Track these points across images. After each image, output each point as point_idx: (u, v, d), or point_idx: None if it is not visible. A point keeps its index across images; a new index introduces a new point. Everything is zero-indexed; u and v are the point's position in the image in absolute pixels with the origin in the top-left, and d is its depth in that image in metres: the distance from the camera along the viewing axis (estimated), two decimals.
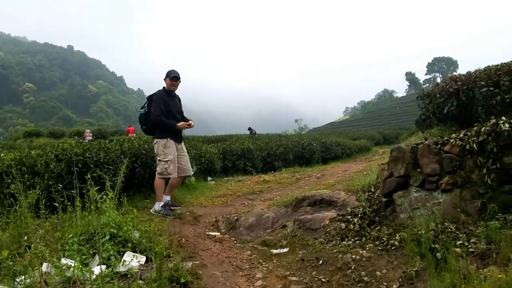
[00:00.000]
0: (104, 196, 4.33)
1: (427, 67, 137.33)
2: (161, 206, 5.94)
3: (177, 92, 6.38)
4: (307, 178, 9.80)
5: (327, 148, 17.60)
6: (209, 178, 11.03)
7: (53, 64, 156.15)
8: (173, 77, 6.05)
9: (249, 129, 28.97)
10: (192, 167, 9.84)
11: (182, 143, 6.34)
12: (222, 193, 8.81)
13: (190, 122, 6.17)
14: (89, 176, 4.79)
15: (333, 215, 5.48)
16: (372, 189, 5.95)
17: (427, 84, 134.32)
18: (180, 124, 6.01)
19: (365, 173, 9.16)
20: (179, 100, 6.47)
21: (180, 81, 6.24)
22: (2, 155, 6.64)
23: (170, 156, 5.89)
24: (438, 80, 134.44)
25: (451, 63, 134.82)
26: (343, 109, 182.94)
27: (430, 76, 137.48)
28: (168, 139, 5.97)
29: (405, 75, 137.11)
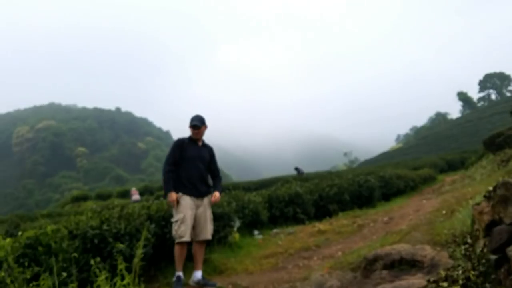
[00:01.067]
0: (119, 281, 3.26)
1: (479, 85, 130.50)
2: (175, 278, 4.89)
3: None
4: (371, 225, 8.18)
5: (387, 183, 15.72)
6: (256, 232, 9.67)
7: (103, 126, 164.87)
8: (192, 126, 5.07)
9: (296, 168, 27.53)
10: (234, 221, 8.62)
11: (206, 198, 5.15)
12: (272, 252, 7.41)
13: (215, 195, 5.25)
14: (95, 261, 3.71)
15: (422, 282, 3.91)
16: (469, 240, 4.36)
17: (482, 102, 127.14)
18: (171, 198, 4.94)
19: (444, 212, 7.42)
20: (210, 151, 5.42)
21: (205, 128, 5.23)
22: (20, 233, 5.76)
23: (181, 215, 4.84)
24: (493, 97, 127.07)
25: (504, 78, 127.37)
26: (395, 136, 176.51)
27: (484, 94, 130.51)
28: (181, 193, 4.93)
29: (457, 95, 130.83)
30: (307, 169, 29.73)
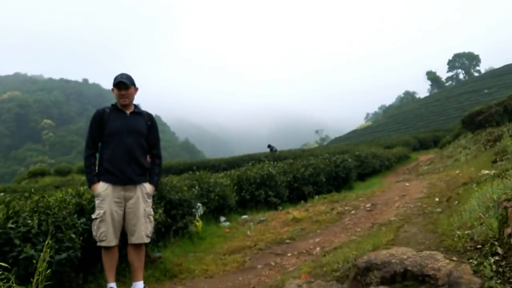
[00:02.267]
0: None
1: (448, 64, 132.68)
2: None
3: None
4: (353, 212, 7.15)
5: (362, 162, 14.88)
6: (222, 219, 8.52)
7: (69, 98, 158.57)
8: (117, 84, 3.70)
9: (269, 146, 26.43)
10: (196, 208, 7.40)
11: (139, 187, 3.81)
12: (239, 245, 6.29)
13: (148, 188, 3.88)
14: None
15: None
16: (499, 250, 3.28)
17: (450, 82, 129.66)
18: (96, 190, 3.70)
19: (437, 199, 6.47)
20: (148, 120, 4.04)
21: (135, 90, 3.88)
22: None
23: (100, 211, 3.60)
24: (461, 76, 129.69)
25: (472, 58, 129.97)
26: (364, 115, 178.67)
27: (453, 73, 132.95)
28: (101, 182, 3.67)
29: (426, 74, 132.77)
30: (280, 146, 28.74)
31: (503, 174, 6.18)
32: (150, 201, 3.92)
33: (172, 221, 6.46)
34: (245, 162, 23.46)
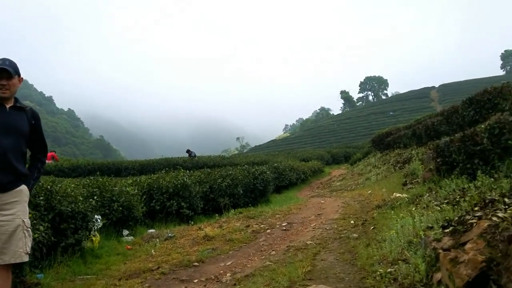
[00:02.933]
0: None
1: (359, 86, 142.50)
2: None
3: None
4: (268, 231, 6.75)
5: (280, 174, 14.78)
6: (125, 232, 7.61)
7: None
8: None
9: (188, 151, 25.52)
10: (93, 222, 6.44)
11: (11, 194, 3.02)
12: (139, 268, 5.50)
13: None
14: None
15: None
16: None
17: (360, 102, 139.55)
18: None
19: (352, 222, 6.35)
20: (32, 118, 3.22)
21: (19, 80, 3.05)
22: None
23: None
24: (370, 98, 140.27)
25: (381, 82, 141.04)
26: (283, 126, 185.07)
27: (363, 94, 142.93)
28: None
29: (340, 93, 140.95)
30: (201, 151, 27.98)
31: (417, 200, 6.27)
32: (27, 210, 3.10)
33: (60, 237, 5.48)
34: (162, 166, 22.33)
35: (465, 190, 5.03)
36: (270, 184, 12.40)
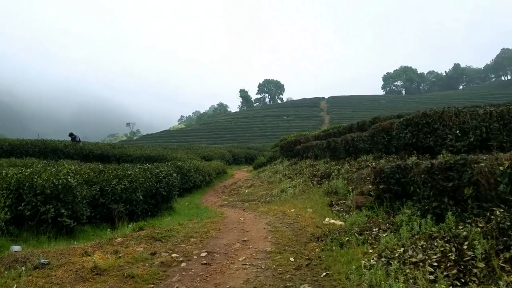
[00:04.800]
0: None
1: (258, 87, 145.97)
2: None
3: None
4: (183, 265, 5.16)
5: (184, 175, 13.12)
6: None
7: None
8: None
9: (71, 135, 22.05)
10: None
11: None
12: None
13: None
14: None
15: None
16: None
17: (258, 103, 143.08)
18: None
19: (292, 259, 5.15)
20: None
21: None
22: None
23: None
24: (267, 100, 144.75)
25: (279, 86, 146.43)
26: (178, 117, 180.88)
27: (260, 96, 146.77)
28: None
29: (239, 91, 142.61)
30: (86, 134, 24.38)
31: (366, 235, 5.33)
32: None
33: None
34: (38, 149, 18.73)
35: (433, 237, 4.21)
36: (176, 189, 10.69)
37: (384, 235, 4.90)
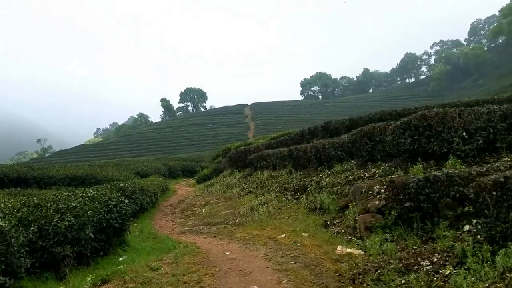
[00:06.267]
0: None
1: (180, 96, 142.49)
2: None
3: None
4: None
5: (130, 198, 11.21)
6: None
7: None
8: None
9: None
10: None
11: None
12: None
13: None
14: None
15: None
16: None
17: (181, 112, 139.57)
18: None
19: None
20: None
21: None
22: None
23: None
24: (190, 109, 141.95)
25: (201, 94, 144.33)
26: (93, 130, 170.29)
27: (183, 105, 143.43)
28: None
29: (161, 101, 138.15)
30: None
31: (413, 269, 4.32)
32: None
33: None
34: None
35: None
36: (129, 218, 8.84)
37: (452, 271, 3.92)
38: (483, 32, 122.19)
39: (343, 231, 6.75)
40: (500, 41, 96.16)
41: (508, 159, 6.22)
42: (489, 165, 5.73)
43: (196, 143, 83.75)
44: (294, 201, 9.48)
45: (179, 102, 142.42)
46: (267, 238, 7.22)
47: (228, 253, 6.60)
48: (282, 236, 7.15)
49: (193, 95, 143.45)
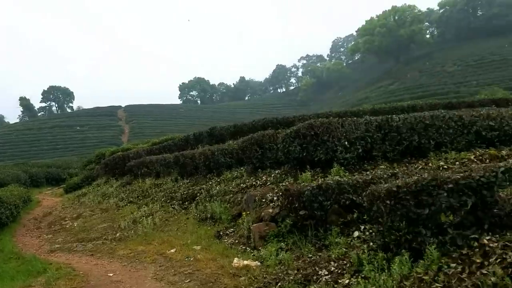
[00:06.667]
0: None
1: (42, 95, 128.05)
2: None
3: None
4: None
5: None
6: None
7: None
8: None
9: None
10: None
11: None
12: None
13: None
14: None
15: None
16: None
17: (43, 112, 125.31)
18: None
19: None
20: None
21: None
22: None
23: None
24: (54, 109, 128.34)
25: (67, 94, 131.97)
26: None
27: (46, 105, 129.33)
28: None
29: (19, 99, 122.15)
30: None
31: (313, 280, 4.32)
32: None
33: None
34: None
35: (424, 281, 3.52)
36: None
37: (351, 281, 4.03)
38: (343, 49, 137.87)
39: (237, 241, 6.60)
40: (357, 58, 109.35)
41: (384, 167, 6.88)
42: (373, 172, 6.23)
43: (62, 147, 76.04)
44: (183, 211, 9.04)
45: (41, 102, 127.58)
46: (155, 254, 6.65)
47: (111, 274, 5.86)
48: (172, 251, 6.67)
49: (58, 94, 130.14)
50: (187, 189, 10.07)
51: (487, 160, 6.32)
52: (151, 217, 9.12)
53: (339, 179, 5.74)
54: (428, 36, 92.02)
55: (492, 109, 8.82)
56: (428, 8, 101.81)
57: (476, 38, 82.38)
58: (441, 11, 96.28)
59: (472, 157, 6.54)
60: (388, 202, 4.17)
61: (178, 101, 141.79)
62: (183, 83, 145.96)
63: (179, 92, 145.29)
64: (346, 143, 7.16)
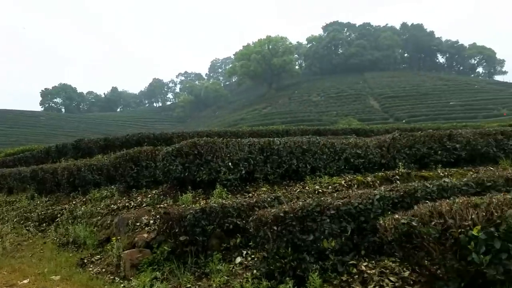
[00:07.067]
0: None
1: None
2: None
3: None
4: None
5: None
6: None
7: None
8: None
9: None
10: None
11: None
12: None
13: None
14: None
15: None
16: None
17: None
18: None
19: None
20: None
21: None
22: None
23: None
24: None
25: None
26: None
27: None
28: None
29: None
30: None
31: None
32: None
33: None
34: None
35: None
36: None
37: None
38: (221, 70, 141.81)
39: (104, 270, 5.83)
40: (234, 80, 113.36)
41: (265, 189, 6.93)
42: (255, 195, 6.19)
43: None
44: (40, 234, 7.75)
45: None
46: (4, 285, 5.46)
47: None
48: (25, 281, 5.55)
49: None
50: (46, 209, 8.70)
51: (355, 186, 6.87)
52: (0, 240, 7.57)
53: (224, 202, 5.54)
54: (297, 67, 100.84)
55: (359, 138, 9.71)
56: (297, 42, 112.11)
57: (337, 73, 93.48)
58: (309, 45, 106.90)
59: (342, 182, 7.04)
60: (275, 228, 4.11)
61: (39, 108, 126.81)
62: (46, 89, 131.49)
63: (40, 99, 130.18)
64: (230, 164, 7.05)
